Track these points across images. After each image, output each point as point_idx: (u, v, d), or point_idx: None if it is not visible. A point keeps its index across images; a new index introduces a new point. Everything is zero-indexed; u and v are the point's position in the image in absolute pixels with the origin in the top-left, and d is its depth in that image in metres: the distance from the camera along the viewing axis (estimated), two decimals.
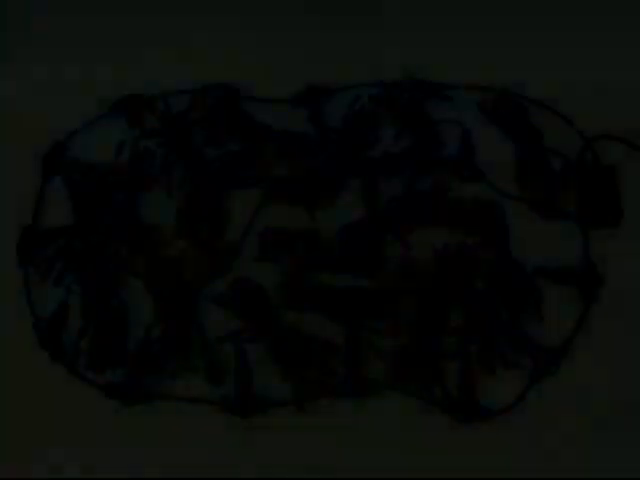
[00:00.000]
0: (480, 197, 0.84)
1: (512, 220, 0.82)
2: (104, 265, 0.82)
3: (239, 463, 0.73)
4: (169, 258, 0.82)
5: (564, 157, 0.85)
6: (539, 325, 0.77)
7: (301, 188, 0.85)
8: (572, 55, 0.91)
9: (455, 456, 0.72)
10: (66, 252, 0.83)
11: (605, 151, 0.85)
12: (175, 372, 0.76)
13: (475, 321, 0.77)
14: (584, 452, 0.72)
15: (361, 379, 0.74)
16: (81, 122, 0.93)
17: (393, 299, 0.78)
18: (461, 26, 0.94)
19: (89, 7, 0.93)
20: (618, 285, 0.78)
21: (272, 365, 0.76)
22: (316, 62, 0.94)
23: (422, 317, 0.77)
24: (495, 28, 0.93)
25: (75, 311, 0.80)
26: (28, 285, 0.82)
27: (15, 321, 0.80)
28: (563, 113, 0.88)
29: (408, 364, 0.75)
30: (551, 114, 0.89)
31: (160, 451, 0.74)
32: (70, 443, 0.75)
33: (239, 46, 0.95)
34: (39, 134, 0.91)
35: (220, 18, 0.94)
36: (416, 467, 0.72)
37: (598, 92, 0.89)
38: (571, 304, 0.78)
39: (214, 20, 0.94)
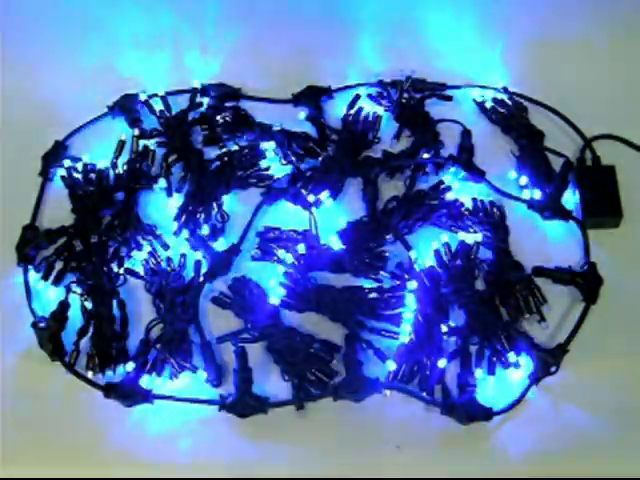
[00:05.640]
0: (480, 197, 0.84)
1: (512, 220, 0.83)
2: (104, 265, 0.82)
3: (239, 463, 0.73)
4: (169, 258, 0.82)
5: (564, 157, 0.85)
6: (539, 325, 0.77)
7: (302, 188, 0.85)
8: (573, 55, 0.91)
9: (455, 456, 0.72)
10: (66, 252, 0.83)
11: (605, 151, 0.85)
12: (175, 372, 0.76)
13: (475, 321, 0.77)
14: (584, 452, 0.72)
15: (361, 379, 0.74)
16: (81, 122, 0.93)
17: (393, 299, 0.78)
18: (461, 26, 0.94)
19: (89, 7, 0.93)
20: (618, 285, 0.78)
21: (272, 365, 0.76)
22: (316, 62, 0.94)
23: (423, 317, 0.77)
24: (495, 28, 0.93)
25: (75, 311, 0.80)
26: (28, 285, 0.82)
27: (15, 321, 0.80)
28: (563, 113, 0.89)
29: (408, 364, 0.75)
30: (551, 114, 0.89)
31: (160, 451, 0.74)
32: (70, 443, 0.75)
33: (239, 46, 0.95)
34: (39, 134, 0.91)
35: (220, 18, 0.94)
36: (416, 467, 0.72)
37: (598, 92, 0.89)
38: (571, 304, 0.78)
39: (214, 20, 0.94)
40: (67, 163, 0.89)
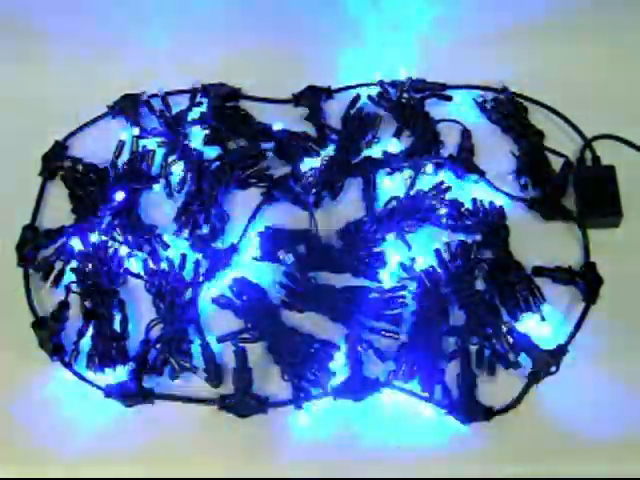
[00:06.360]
0: (480, 197, 0.84)
1: (512, 220, 0.83)
2: (104, 265, 0.82)
3: (239, 463, 0.73)
4: (169, 258, 0.82)
5: (564, 157, 0.85)
6: (539, 325, 0.77)
7: (301, 188, 0.85)
8: (573, 55, 0.91)
9: (455, 456, 0.72)
10: (66, 252, 0.83)
11: (605, 151, 0.85)
12: (175, 372, 0.76)
13: (475, 321, 0.77)
14: (584, 452, 0.72)
15: (361, 379, 0.74)
16: (81, 122, 0.93)
17: (393, 299, 0.78)
18: (461, 25, 0.94)
19: (89, 7, 0.93)
20: (618, 285, 0.78)
21: (272, 365, 0.76)
22: (316, 62, 0.94)
23: (423, 317, 0.77)
24: (495, 27, 0.93)
25: (75, 311, 0.80)
26: (28, 285, 0.82)
27: (15, 321, 0.80)
28: (563, 113, 0.89)
29: (408, 364, 0.75)
30: (551, 114, 0.89)
31: (160, 451, 0.74)
32: (70, 443, 0.74)
33: (239, 46, 0.95)
34: (39, 134, 0.91)
35: (220, 18, 0.94)
36: (416, 467, 0.72)
37: (598, 92, 0.89)
38: (571, 304, 0.78)
39: (214, 20, 0.94)
40: (67, 163, 0.89)
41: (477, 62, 0.93)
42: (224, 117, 0.91)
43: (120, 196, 0.85)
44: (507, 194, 0.84)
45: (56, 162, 0.90)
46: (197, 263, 0.82)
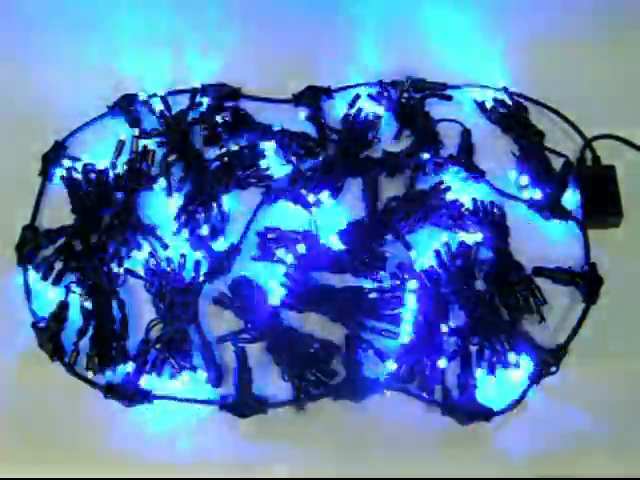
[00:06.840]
0: (480, 197, 0.84)
1: (512, 220, 0.82)
2: (104, 265, 0.82)
3: (239, 463, 0.73)
4: (169, 258, 0.82)
5: (564, 157, 0.85)
6: (539, 325, 0.77)
7: (302, 188, 0.85)
8: (573, 55, 0.91)
9: (455, 456, 0.72)
10: (66, 252, 0.83)
11: (605, 151, 0.85)
12: (175, 372, 0.76)
13: (475, 321, 0.77)
14: (584, 452, 0.72)
15: (361, 379, 0.74)
16: (81, 122, 0.93)
17: (393, 299, 0.78)
18: (462, 25, 0.94)
19: (89, 7, 0.94)
20: (618, 285, 0.78)
21: (272, 365, 0.76)
22: (316, 62, 0.94)
23: (423, 317, 0.77)
24: (495, 28, 0.93)
25: (75, 311, 0.80)
26: (28, 285, 0.82)
27: (15, 321, 0.80)
28: (563, 113, 0.89)
29: (408, 364, 0.75)
30: (551, 114, 0.89)
31: (160, 451, 0.74)
32: (70, 443, 0.74)
33: (239, 46, 0.95)
34: (39, 134, 0.91)
35: (220, 18, 0.95)
36: (416, 467, 0.72)
37: (598, 92, 0.89)
38: (571, 304, 0.78)
39: (214, 20, 0.94)
40: (67, 163, 0.89)
41: (477, 62, 0.93)
42: (224, 117, 0.91)
43: (120, 196, 0.85)
44: (507, 194, 0.84)
45: (56, 162, 0.90)
46: (197, 263, 0.82)
